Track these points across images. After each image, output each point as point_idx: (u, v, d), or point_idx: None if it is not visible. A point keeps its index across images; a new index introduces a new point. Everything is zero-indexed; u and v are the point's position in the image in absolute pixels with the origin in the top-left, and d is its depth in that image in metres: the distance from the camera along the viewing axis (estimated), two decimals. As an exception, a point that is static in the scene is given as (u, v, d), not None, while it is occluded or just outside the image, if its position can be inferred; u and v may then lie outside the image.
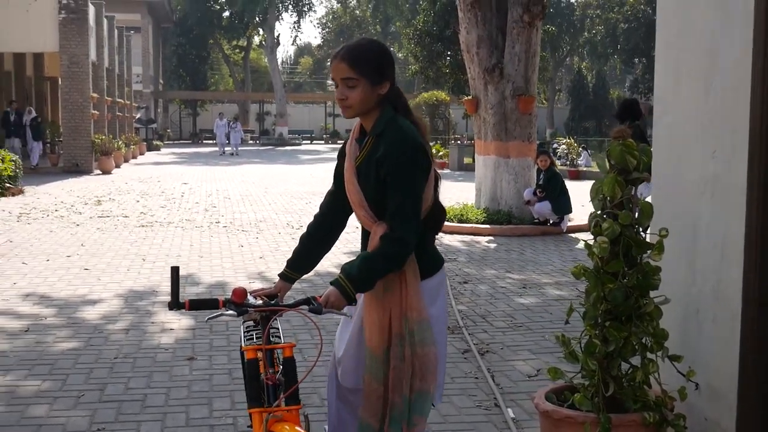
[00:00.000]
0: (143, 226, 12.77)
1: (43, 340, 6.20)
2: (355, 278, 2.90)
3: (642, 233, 3.19)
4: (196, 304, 2.90)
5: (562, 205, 12.31)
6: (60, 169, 25.59)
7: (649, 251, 3.16)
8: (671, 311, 3.30)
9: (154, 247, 10.71)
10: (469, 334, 6.48)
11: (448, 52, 27.81)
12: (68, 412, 4.70)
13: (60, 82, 26.94)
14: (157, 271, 9.00)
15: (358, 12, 65.61)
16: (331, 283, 2.93)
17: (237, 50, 64.95)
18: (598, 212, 3.23)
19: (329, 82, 78.06)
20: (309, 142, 57.81)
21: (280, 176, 24.75)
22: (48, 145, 27.86)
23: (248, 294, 2.99)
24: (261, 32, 61.05)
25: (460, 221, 12.54)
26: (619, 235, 3.11)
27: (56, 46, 25.32)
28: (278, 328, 3.12)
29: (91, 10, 26.72)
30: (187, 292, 7.98)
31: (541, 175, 12.47)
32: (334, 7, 68.57)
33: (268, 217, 14.16)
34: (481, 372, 5.53)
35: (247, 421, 4.52)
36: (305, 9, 61.83)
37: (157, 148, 43.13)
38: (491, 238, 11.89)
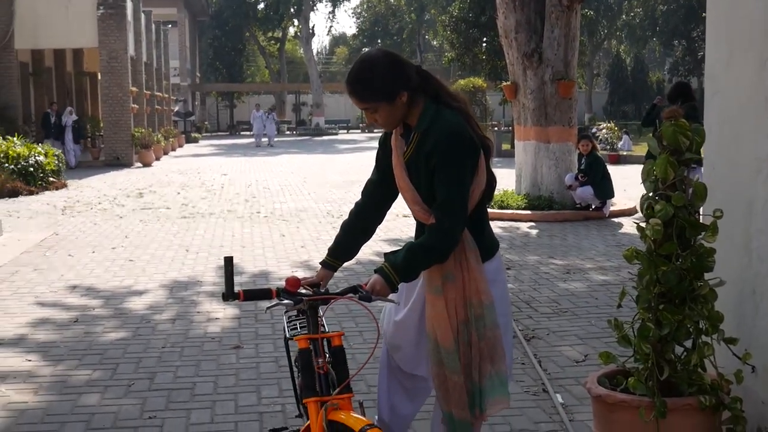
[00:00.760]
0: (185, 217, 12.88)
1: (92, 331, 6.28)
2: (400, 267, 2.92)
3: (695, 215, 3.14)
4: (251, 295, 2.91)
5: (605, 190, 12.18)
6: (101, 162, 25.92)
7: (703, 233, 3.10)
8: (726, 293, 3.24)
9: (197, 237, 10.80)
10: (514, 320, 6.44)
11: (485, 38, 27.60)
12: (119, 400, 4.76)
13: (99, 77, 27.27)
14: (200, 262, 9.07)
15: (392, 0, 65.39)
16: (376, 271, 2.95)
17: (272, 42, 65.13)
18: (650, 194, 3.17)
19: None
20: (345, 131, 57.86)
21: (318, 166, 24.81)
22: (89, 139, 28.18)
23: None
24: (296, 23, 61.10)
25: (501, 207, 12.46)
26: (672, 217, 3.06)
27: (95, 41, 25.59)
28: (321, 317, 3.13)
29: (129, 5, 26.95)
30: (231, 282, 8.03)
31: (583, 160, 12.34)
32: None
33: (308, 206, 14.21)
34: (527, 358, 5.50)
35: (295, 409, 4.55)
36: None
37: (195, 141, 43.48)
38: (532, 223, 11.81)
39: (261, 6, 60.68)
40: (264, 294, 2.94)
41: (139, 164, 25.82)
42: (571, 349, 5.76)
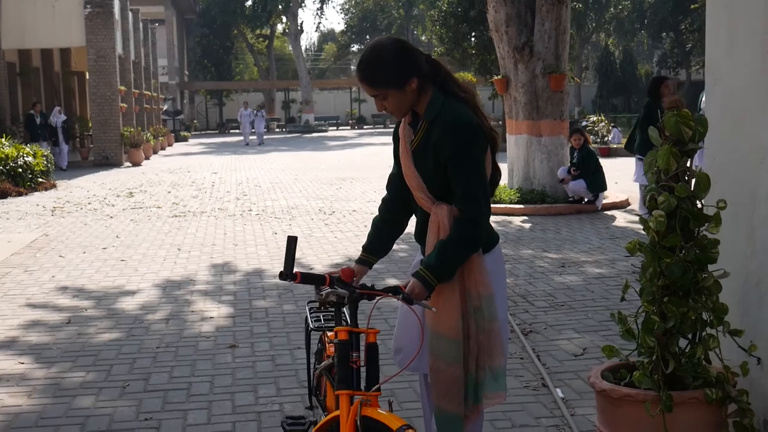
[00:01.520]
0: (176, 216, 12.80)
1: (84, 332, 6.21)
2: (435, 267, 2.93)
3: (698, 205, 3.10)
4: (307, 278, 2.86)
5: (597, 183, 12.16)
6: (90, 162, 25.77)
7: (706, 224, 3.06)
8: (730, 285, 3.20)
9: (189, 236, 10.72)
10: (511, 314, 6.40)
11: (474, 33, 27.55)
12: (114, 402, 4.70)
13: (87, 77, 27.05)
14: (193, 261, 9.00)
15: (380, -4, 65.36)
16: (413, 276, 2.95)
17: (261, 39, 64.89)
18: (653, 185, 3.13)
19: (353, 67, 77.94)
20: (335, 128, 57.75)
21: (309, 163, 24.73)
22: (77, 139, 27.98)
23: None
24: (284, 20, 60.90)
25: (493, 202, 12.38)
26: (676, 208, 3.02)
27: (83, 40, 25.42)
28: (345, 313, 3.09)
29: (116, 3, 26.79)
30: (224, 280, 7.98)
31: (575, 154, 12.31)
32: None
33: (299, 204, 14.14)
34: (525, 352, 5.46)
35: (292, 408, 4.50)
36: (328, -5, 61.65)
37: (184, 139, 43.33)
38: (525, 217, 11.78)
39: (249, 3, 60.41)
40: (319, 280, 2.90)
41: (129, 164, 25.68)
42: (569, 342, 5.72)
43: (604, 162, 14.57)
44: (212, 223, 11.98)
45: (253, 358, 5.49)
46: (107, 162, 25.35)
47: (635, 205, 11.56)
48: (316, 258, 8.86)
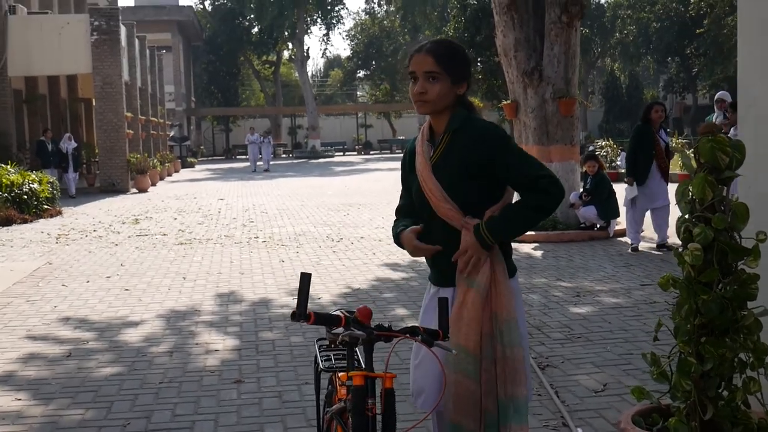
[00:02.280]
0: (182, 243, 12.61)
1: (85, 366, 6.00)
2: (496, 224, 2.89)
3: (736, 237, 2.89)
4: (321, 319, 2.67)
5: (610, 209, 11.96)
6: (97, 189, 25.66)
7: (745, 258, 2.85)
8: (766, 323, 2.98)
9: (194, 264, 10.53)
10: (527, 347, 6.18)
11: (480, 58, 27.49)
12: (114, 443, 4.49)
13: (94, 103, 27.03)
14: (198, 290, 8.80)
15: (386, 22, 65.40)
16: (473, 230, 2.90)
17: (267, 65, 65.10)
18: (686, 216, 2.93)
19: (359, 93, 78.09)
20: (342, 153, 57.73)
21: (316, 189, 24.58)
22: (84, 165, 27.90)
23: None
24: (290, 46, 61.12)
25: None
26: (713, 241, 2.81)
27: (89, 67, 25.42)
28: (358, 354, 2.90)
29: (123, 30, 26.82)
30: (230, 311, 7.78)
31: (588, 179, 12.11)
32: (362, 17, 68.49)
33: (306, 230, 13.95)
34: (543, 388, 5.23)
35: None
36: (334, 22, 61.84)
37: (191, 165, 43.28)
38: (536, 244, 11.56)
39: (255, 30, 60.68)
40: (334, 320, 2.70)
41: (135, 190, 25.58)
42: (588, 377, 5.49)
43: (614, 187, 14.38)
44: (218, 250, 11.79)
45: (259, 394, 5.27)
46: (113, 188, 25.25)
47: (649, 230, 11.31)
48: (325, 287, 8.66)
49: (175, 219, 16.49)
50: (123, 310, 7.85)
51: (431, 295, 3.11)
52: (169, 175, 33.92)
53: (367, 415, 2.60)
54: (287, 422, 4.71)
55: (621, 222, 12.44)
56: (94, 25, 25.24)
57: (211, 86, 62.46)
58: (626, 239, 11.62)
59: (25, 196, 16.98)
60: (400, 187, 3.29)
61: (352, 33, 68.33)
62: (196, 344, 6.57)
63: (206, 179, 32.26)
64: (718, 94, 12.48)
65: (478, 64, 27.74)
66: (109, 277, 9.73)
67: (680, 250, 2.95)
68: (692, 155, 2.88)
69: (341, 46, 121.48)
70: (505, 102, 13.69)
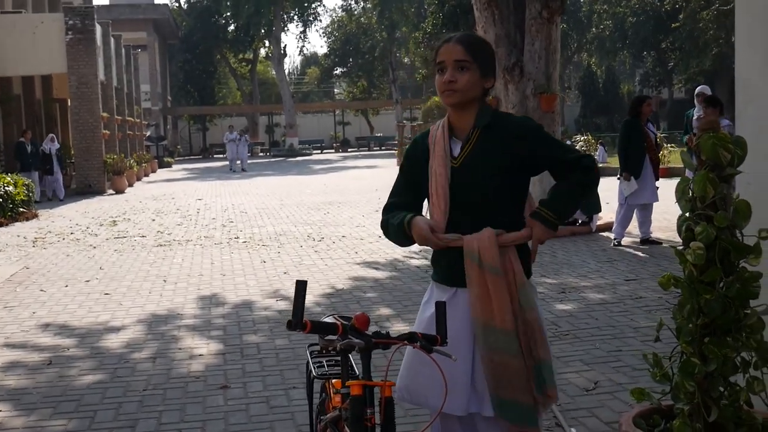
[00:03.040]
0: (161, 245, 12.46)
1: (66, 374, 5.87)
2: (557, 204, 2.91)
3: (738, 236, 2.83)
4: (318, 327, 2.57)
5: (592, 204, 11.92)
6: (73, 190, 25.32)
7: (747, 256, 2.79)
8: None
9: (174, 266, 10.39)
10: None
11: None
12: (99, 453, 4.37)
13: (69, 104, 26.70)
14: (179, 293, 8.67)
15: (363, 19, 65.17)
16: (535, 216, 2.89)
17: (243, 63, 64.72)
18: (687, 214, 2.86)
19: (337, 90, 77.86)
20: (320, 151, 57.54)
21: (295, 187, 24.43)
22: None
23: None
24: (267, 44, 60.80)
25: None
26: (715, 239, 2.75)
27: (64, 67, 25.10)
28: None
29: (98, 29, 26.51)
30: (212, 314, 7.66)
31: (570, 175, 12.06)
32: (339, 14, 68.27)
33: (287, 230, 13.83)
34: (534, 388, 5.15)
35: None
36: (311, 19, 61.58)
37: (168, 165, 42.93)
38: (520, 241, 11.48)
39: (231, 28, 60.31)
40: (331, 328, 2.60)
41: (112, 191, 25.30)
42: (578, 375, 5.43)
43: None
44: (198, 252, 11.64)
45: (246, 400, 5.17)
46: (90, 190, 24.95)
47: (630, 225, 11.29)
48: (308, 288, 8.53)
49: (154, 220, 16.31)
50: (103, 315, 7.71)
51: (436, 296, 3.00)
52: (146, 175, 33.61)
53: (366, 425, 2.51)
54: (276, 428, 4.62)
55: (602, 217, 12.42)
56: (69, 24, 24.93)
57: (188, 85, 61.98)
58: (608, 234, 11.60)
59: (0, 199, 16.71)
60: (394, 189, 3.15)
61: (329, 30, 68.08)
62: (180, 349, 6.45)
63: (184, 179, 32.00)
64: (698, 88, 12.48)
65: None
66: (88, 281, 9.57)
67: (681, 248, 2.88)
68: (684, 151, 2.81)
69: (318, 44, 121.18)
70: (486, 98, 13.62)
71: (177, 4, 62.21)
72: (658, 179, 10.67)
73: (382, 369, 2.91)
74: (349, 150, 58.83)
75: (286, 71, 64.66)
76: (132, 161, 29.36)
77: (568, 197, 2.95)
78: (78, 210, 19.38)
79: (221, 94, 69.02)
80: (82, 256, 11.55)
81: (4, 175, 17.85)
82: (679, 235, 2.88)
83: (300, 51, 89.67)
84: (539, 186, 12.33)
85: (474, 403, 2.90)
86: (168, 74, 59.47)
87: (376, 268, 9.64)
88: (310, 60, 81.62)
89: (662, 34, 50.98)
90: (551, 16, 12.26)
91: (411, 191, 3.07)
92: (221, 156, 48.57)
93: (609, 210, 13.59)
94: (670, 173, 20.47)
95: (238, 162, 37.30)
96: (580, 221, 12.10)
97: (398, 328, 6.69)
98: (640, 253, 10.13)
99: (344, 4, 67.56)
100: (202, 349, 6.42)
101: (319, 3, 60.64)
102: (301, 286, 2.54)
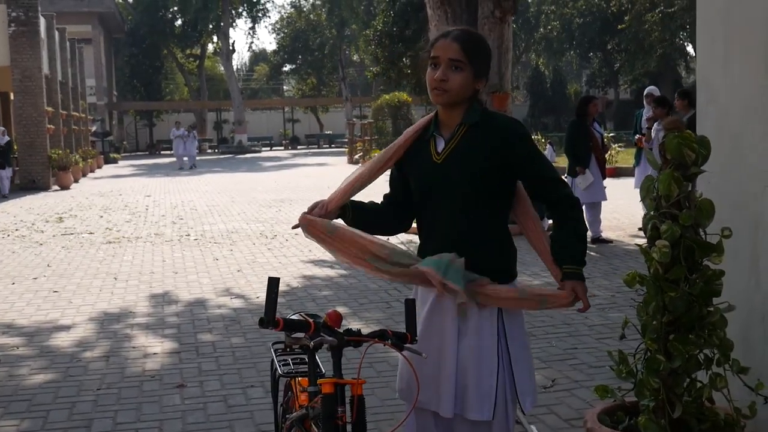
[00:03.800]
0: (110, 242, 12.25)
1: (16, 373, 5.74)
2: (580, 257, 2.88)
3: (701, 234, 2.88)
4: (290, 325, 2.54)
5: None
6: (16, 186, 24.71)
7: (710, 254, 2.84)
8: (732, 319, 2.98)
9: (125, 264, 10.22)
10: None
11: (409, 52, 27.46)
12: (53, 455, 4.28)
13: (12, 97, 26.11)
14: (131, 291, 8.53)
15: (312, 16, 64.94)
16: (568, 278, 2.84)
17: (191, 59, 64.00)
18: (652, 213, 2.90)
19: (286, 87, 77.45)
20: (269, 148, 57.15)
21: (245, 185, 24.22)
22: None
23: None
24: (215, 40, 60.22)
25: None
26: (679, 238, 2.79)
27: (7, 60, 24.54)
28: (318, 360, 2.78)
29: (42, 22, 25.95)
30: (165, 312, 7.56)
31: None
32: (288, 11, 67.93)
33: (239, 227, 13.71)
34: (492, 385, 5.18)
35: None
36: (259, 15, 61.17)
37: (114, 161, 42.26)
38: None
39: (179, 22, 59.59)
40: (303, 326, 2.56)
41: (57, 187, 24.80)
42: (536, 373, 5.46)
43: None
44: (149, 249, 11.48)
45: (203, 399, 5.11)
46: (34, 186, 24.43)
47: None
48: (262, 286, 8.48)
49: (101, 217, 16.03)
50: (53, 314, 7.55)
51: (432, 297, 2.93)
52: (92, 171, 33.02)
53: (338, 423, 2.50)
54: (235, 428, 4.57)
55: (554, 215, 12.54)
56: (12, 16, 24.36)
57: (134, 80, 61.05)
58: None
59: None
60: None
61: (278, 26, 67.70)
62: (133, 348, 6.35)
63: (131, 175, 31.52)
64: (647, 89, 12.68)
65: (406, 59, 27.73)
66: (35, 278, 9.37)
67: (646, 246, 2.92)
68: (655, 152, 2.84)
69: (267, 40, 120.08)
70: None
71: (123, -2, 61.32)
72: (605, 178, 10.85)
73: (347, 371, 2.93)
74: (298, 147, 58.56)
75: (235, 67, 64.08)
76: (77, 157, 28.81)
77: (582, 240, 2.91)
78: (22, 206, 18.96)
79: (168, 89, 68.20)
80: (28, 253, 11.30)
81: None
82: (645, 234, 2.92)
83: (249, 47, 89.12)
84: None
85: (458, 405, 2.88)
86: (113, 69, 58.56)
87: (330, 267, 9.60)
88: (258, 56, 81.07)
89: (608, 35, 51.76)
90: (503, 16, 12.35)
91: (399, 182, 3.05)
92: (168, 152, 47.86)
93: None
94: (617, 173, 20.80)
95: (186, 159, 36.63)
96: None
97: (355, 326, 6.66)
98: (591, 252, 10.25)
99: (293, 0, 67.31)
100: (156, 347, 6.33)
101: (268, -1, 60.27)
102: (273, 284, 2.52)
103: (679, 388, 2.85)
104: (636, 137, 12.09)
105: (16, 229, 14.18)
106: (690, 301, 2.80)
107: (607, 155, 11.71)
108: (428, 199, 2.91)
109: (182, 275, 9.36)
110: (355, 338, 2.55)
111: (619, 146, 23.40)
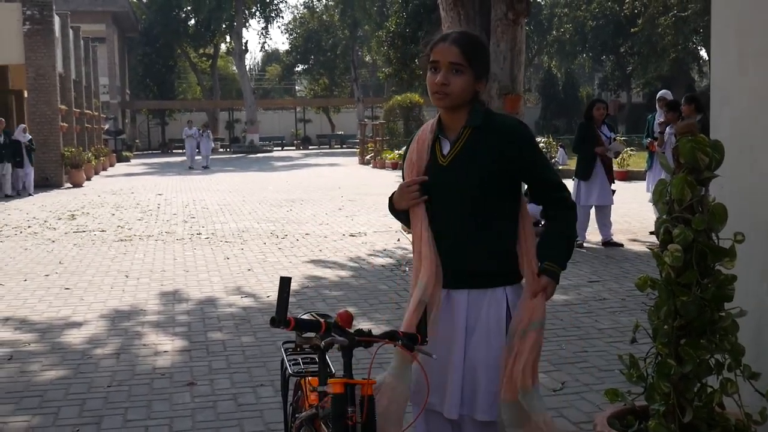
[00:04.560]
0: (122, 240, 12.30)
1: (28, 369, 5.77)
2: (562, 258, 2.88)
3: (714, 238, 2.87)
4: (301, 325, 2.55)
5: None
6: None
7: (722, 259, 2.83)
8: (743, 324, 2.97)
9: (136, 262, 10.26)
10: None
11: (422, 54, 27.50)
12: (64, 451, 4.30)
13: (26, 95, 26.23)
14: (142, 288, 8.56)
15: (325, 17, 65.02)
16: (546, 274, 2.82)
17: (204, 58, 64.18)
18: (664, 216, 2.90)
19: (298, 87, 77.55)
20: (280, 148, 57.25)
21: (256, 184, 24.28)
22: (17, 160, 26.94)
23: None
24: (228, 39, 60.37)
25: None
26: (692, 242, 2.78)
27: (21, 58, 24.66)
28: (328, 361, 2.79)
29: (57, 21, 26.07)
30: (176, 310, 7.59)
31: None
32: (301, 11, 68.05)
33: (250, 226, 13.74)
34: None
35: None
36: (272, 15, 61.28)
37: (127, 159, 42.41)
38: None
39: (192, 22, 59.77)
40: (315, 326, 2.57)
41: (70, 185, 24.91)
42: (545, 376, 5.47)
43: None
44: (160, 247, 11.52)
45: (213, 397, 5.12)
46: (47, 183, 24.53)
47: (591, 226, 11.39)
48: (273, 285, 8.50)
49: (113, 215, 16.10)
50: (64, 310, 7.59)
51: (441, 297, 2.94)
52: (104, 169, 33.16)
53: (347, 423, 2.50)
54: (245, 426, 4.58)
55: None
56: (27, 15, 24.49)
57: (147, 79, 61.24)
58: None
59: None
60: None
61: (291, 27, 67.80)
62: (144, 345, 6.37)
63: (143, 174, 31.63)
64: (660, 93, 12.66)
65: (418, 60, 27.73)
66: (47, 275, 9.41)
67: (658, 250, 2.91)
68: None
69: (280, 40, 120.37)
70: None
71: (137, -3, 61.53)
72: (613, 182, 10.85)
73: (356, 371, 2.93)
74: (310, 147, 58.62)
75: (247, 67, 64.25)
76: (90, 155, 28.94)
77: (570, 241, 2.95)
78: (35, 203, 19.05)
79: (181, 88, 68.39)
80: (40, 250, 11.36)
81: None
82: (657, 238, 2.91)
83: (261, 47, 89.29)
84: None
85: (466, 406, 2.88)
86: (127, 68, 58.75)
87: (341, 267, 9.62)
88: (271, 56, 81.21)
89: (621, 38, 51.67)
90: (516, 18, 12.32)
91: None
92: (180, 151, 47.97)
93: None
94: (629, 176, 20.71)
95: (198, 158, 36.63)
96: (542, 222, 12.17)
97: (365, 326, 6.67)
98: (602, 255, 10.23)
99: (306, 1, 67.37)
100: (167, 345, 6.35)
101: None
102: (285, 283, 2.52)
103: (690, 393, 2.84)
104: (647, 141, 12.07)
105: (29, 226, 14.25)
106: (702, 305, 2.79)
107: (618, 158, 11.72)
108: (435, 201, 2.91)
109: (193, 274, 9.39)
110: (366, 339, 2.56)
111: (631, 150, 23.32)
